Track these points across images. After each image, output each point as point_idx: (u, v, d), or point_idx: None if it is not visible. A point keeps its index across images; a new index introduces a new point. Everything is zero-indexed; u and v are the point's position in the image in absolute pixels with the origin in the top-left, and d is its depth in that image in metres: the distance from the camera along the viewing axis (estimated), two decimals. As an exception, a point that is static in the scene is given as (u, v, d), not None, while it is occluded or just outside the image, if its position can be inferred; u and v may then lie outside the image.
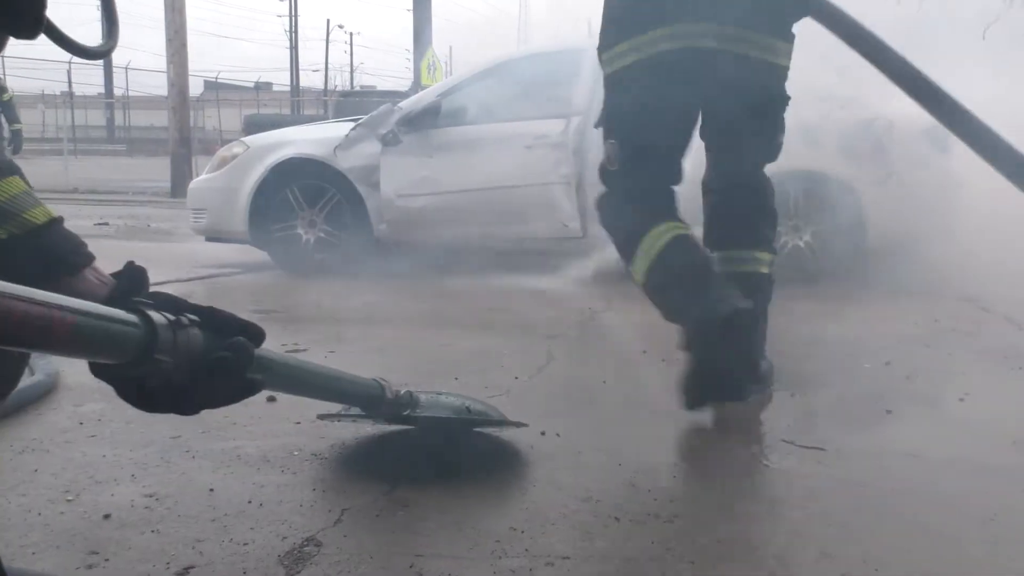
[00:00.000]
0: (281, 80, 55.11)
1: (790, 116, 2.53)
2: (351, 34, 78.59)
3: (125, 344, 0.99)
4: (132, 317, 1.01)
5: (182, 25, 14.21)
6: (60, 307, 0.90)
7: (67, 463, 2.03)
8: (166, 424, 2.30)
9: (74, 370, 2.76)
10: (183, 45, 14.27)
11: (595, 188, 2.63)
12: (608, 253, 4.54)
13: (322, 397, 1.74)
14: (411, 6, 16.99)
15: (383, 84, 41.96)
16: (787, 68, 2.42)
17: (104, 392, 2.64)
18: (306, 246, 5.51)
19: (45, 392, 2.57)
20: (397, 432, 2.21)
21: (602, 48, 2.45)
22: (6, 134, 8.60)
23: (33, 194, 1.25)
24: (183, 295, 1.19)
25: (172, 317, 1.06)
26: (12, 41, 1.12)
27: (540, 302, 4.36)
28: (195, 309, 1.12)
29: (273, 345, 3.23)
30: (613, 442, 2.20)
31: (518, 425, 2.18)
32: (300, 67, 47.84)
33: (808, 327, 3.73)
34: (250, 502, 1.81)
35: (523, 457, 2.11)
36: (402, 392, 1.95)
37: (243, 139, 6.07)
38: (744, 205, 2.51)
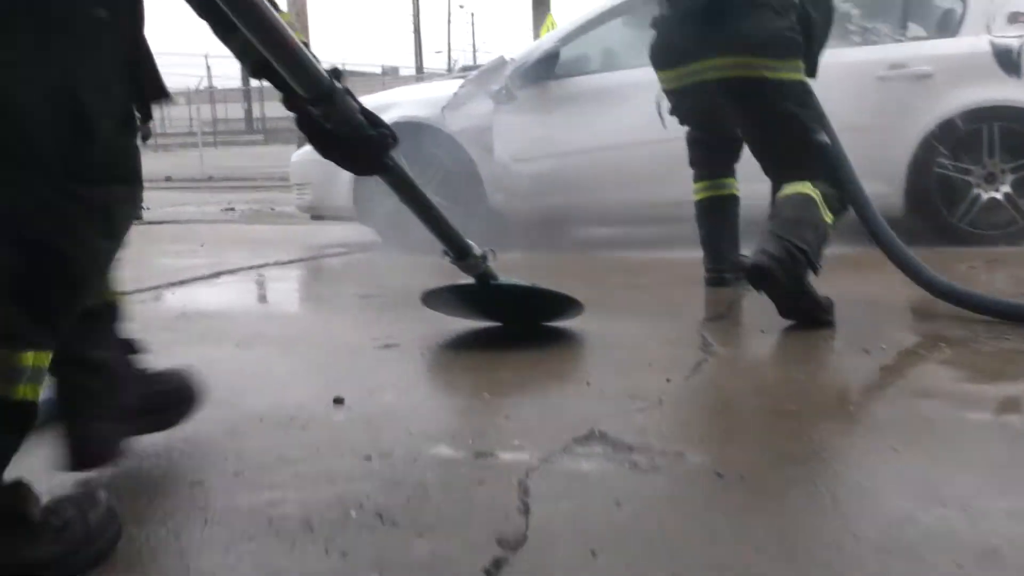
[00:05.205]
0: (407, 63, 55.57)
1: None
2: (472, 14, 78.99)
3: (314, 80, 1.55)
4: (323, 67, 1.58)
5: (303, 7, 14.01)
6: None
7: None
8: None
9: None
10: (305, 28, 14.08)
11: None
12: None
13: (425, 223, 2.20)
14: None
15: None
16: (785, 79, 2.88)
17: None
18: (415, 221, 4.94)
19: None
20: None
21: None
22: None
23: None
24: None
25: (341, 86, 1.60)
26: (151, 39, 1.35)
27: (687, 279, 3.63)
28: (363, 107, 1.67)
29: (362, 339, 2.47)
30: (818, 481, 1.49)
31: (579, 309, 2.49)
32: (424, 50, 47.99)
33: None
34: None
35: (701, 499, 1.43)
36: (487, 259, 2.41)
37: (345, 105, 5.55)
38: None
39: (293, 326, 2.98)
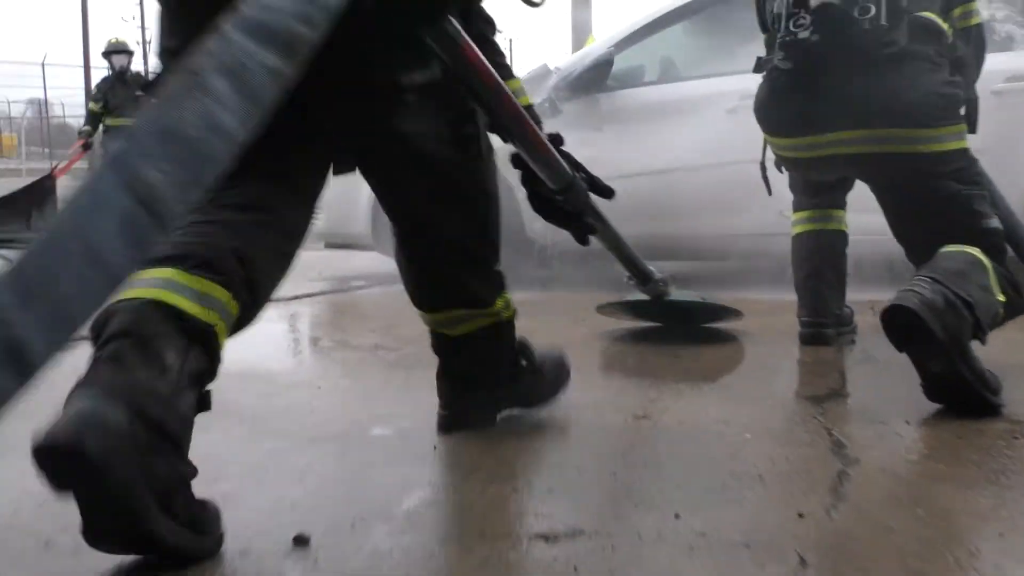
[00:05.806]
0: (443, 87, 55.25)
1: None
2: (510, 40, 79.73)
3: (558, 175, 1.79)
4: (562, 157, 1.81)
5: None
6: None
7: None
8: None
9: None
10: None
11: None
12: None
13: (617, 257, 2.42)
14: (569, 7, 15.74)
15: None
16: (946, 151, 2.23)
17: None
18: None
19: None
20: None
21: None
22: None
23: None
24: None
25: (579, 176, 1.85)
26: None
27: (773, 332, 2.93)
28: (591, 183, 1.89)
29: (358, 417, 2.10)
30: None
31: (738, 316, 2.88)
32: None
33: None
34: None
35: None
36: (665, 283, 2.68)
37: (365, 121, 4.94)
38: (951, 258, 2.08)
39: (274, 396, 2.31)
